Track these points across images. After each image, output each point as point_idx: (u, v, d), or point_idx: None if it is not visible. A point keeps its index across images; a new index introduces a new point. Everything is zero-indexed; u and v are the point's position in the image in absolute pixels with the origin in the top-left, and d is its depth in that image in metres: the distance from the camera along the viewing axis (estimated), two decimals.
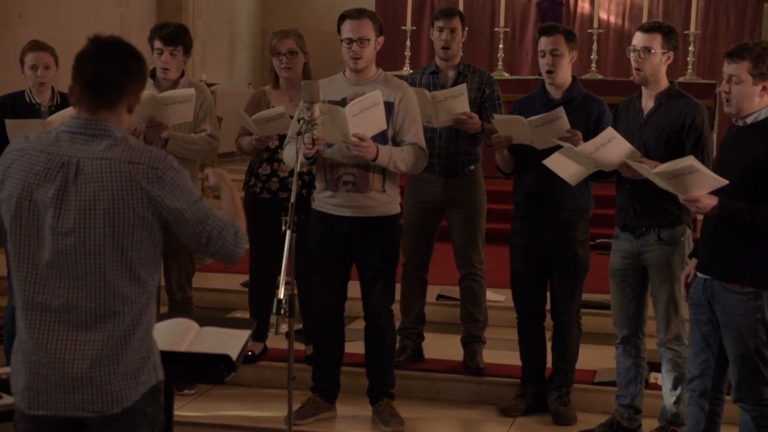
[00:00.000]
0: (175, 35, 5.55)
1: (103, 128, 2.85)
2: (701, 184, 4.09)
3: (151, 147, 2.92)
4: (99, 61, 2.84)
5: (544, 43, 5.18)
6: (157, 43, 5.54)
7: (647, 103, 4.90)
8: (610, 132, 4.61)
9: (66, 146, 2.84)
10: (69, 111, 5.43)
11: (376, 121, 4.85)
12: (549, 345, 5.45)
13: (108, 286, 2.82)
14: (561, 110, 4.92)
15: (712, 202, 4.10)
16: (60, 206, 2.81)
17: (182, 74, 5.65)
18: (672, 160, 4.67)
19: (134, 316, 2.85)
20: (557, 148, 4.87)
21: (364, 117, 4.78)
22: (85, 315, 2.82)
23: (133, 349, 2.85)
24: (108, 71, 2.84)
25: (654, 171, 4.23)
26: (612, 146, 4.59)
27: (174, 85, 5.60)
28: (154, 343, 2.95)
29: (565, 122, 4.92)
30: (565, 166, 4.81)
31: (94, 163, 2.80)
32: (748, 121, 4.19)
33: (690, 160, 4.10)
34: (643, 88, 4.91)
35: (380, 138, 4.92)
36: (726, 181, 4.05)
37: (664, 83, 4.89)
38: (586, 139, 5.03)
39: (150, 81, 5.60)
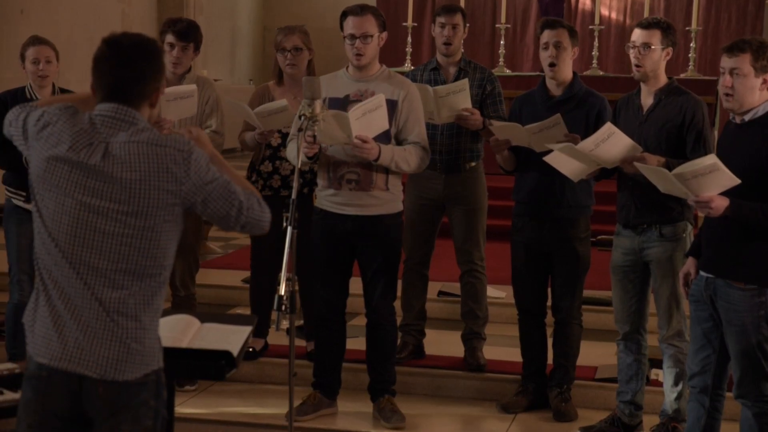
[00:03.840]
0: (188, 31, 5.60)
1: (132, 115, 2.91)
2: (714, 184, 4.04)
3: (175, 134, 2.99)
4: (117, 68, 2.90)
5: (547, 35, 5.17)
6: (170, 37, 5.56)
7: (646, 100, 4.90)
8: (609, 127, 4.61)
9: (98, 128, 2.90)
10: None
11: (379, 123, 4.84)
12: (550, 341, 5.45)
13: (125, 257, 2.86)
14: (558, 117, 4.91)
15: (724, 203, 4.06)
16: (85, 182, 2.86)
17: (188, 70, 5.66)
18: (672, 156, 4.68)
19: (147, 293, 2.90)
20: None
21: (367, 120, 4.77)
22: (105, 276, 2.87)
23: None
24: (127, 79, 2.91)
25: (673, 172, 4.13)
26: (612, 142, 4.58)
27: (180, 79, 5.61)
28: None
29: (562, 128, 4.91)
30: (565, 163, 4.81)
31: (122, 146, 2.86)
32: (746, 118, 4.18)
33: (712, 158, 4.03)
34: (642, 85, 4.91)
35: (383, 137, 4.91)
36: (738, 180, 4.02)
37: (663, 79, 4.89)
38: (585, 134, 5.03)
39: None
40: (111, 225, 2.85)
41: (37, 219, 2.94)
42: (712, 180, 4.03)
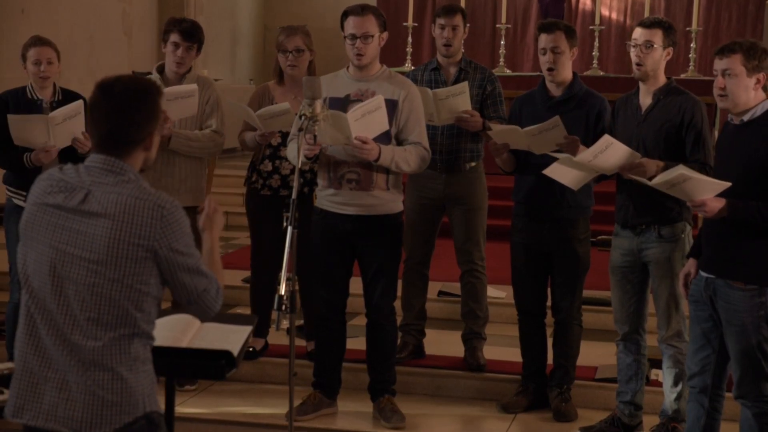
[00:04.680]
0: (193, 31, 5.61)
1: (120, 167, 2.90)
2: (702, 189, 4.09)
3: (161, 192, 2.94)
4: (109, 117, 2.88)
5: (544, 40, 5.17)
6: (175, 36, 5.56)
7: (645, 100, 4.90)
8: (607, 139, 4.61)
9: (82, 176, 2.90)
10: (71, 107, 5.44)
11: (379, 124, 4.84)
12: (550, 342, 5.45)
13: (96, 306, 2.84)
14: (557, 119, 4.91)
15: (719, 204, 4.09)
16: (63, 225, 2.86)
17: (189, 69, 5.67)
18: (671, 156, 4.70)
19: (122, 344, 2.86)
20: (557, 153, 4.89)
21: (367, 120, 4.77)
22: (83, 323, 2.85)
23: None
24: (121, 126, 2.89)
25: (650, 184, 4.27)
26: (610, 152, 4.59)
27: (181, 79, 5.61)
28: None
29: (561, 130, 4.91)
30: (565, 174, 4.81)
31: (104, 195, 2.86)
32: (744, 118, 4.19)
33: (680, 170, 4.12)
34: (641, 85, 4.91)
35: (383, 137, 4.91)
36: (728, 184, 4.05)
37: (662, 79, 4.89)
38: (586, 134, 5.05)
39: (157, 76, 5.62)
40: (83, 274, 2.83)
41: (21, 271, 2.93)
42: (694, 186, 4.08)
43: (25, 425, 2.87)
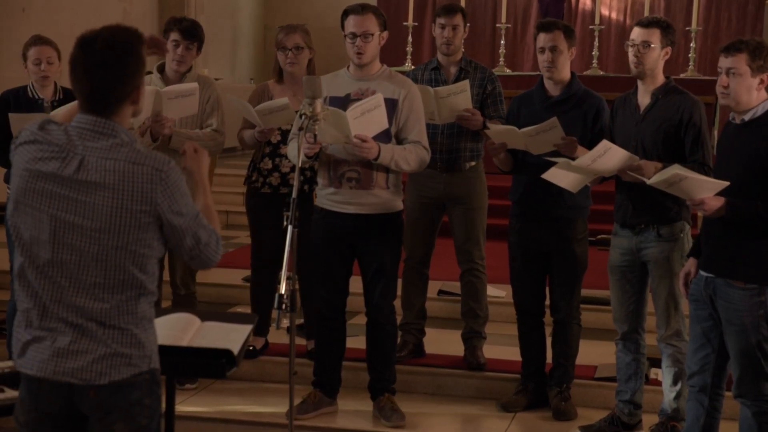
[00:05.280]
0: (193, 29, 5.61)
1: (111, 128, 2.86)
2: (701, 187, 4.11)
3: (156, 152, 2.94)
4: (92, 74, 2.82)
5: (543, 39, 5.17)
6: (175, 35, 5.56)
7: (643, 99, 4.90)
8: (605, 144, 4.61)
9: (73, 140, 2.85)
10: (72, 105, 5.43)
11: (378, 123, 4.84)
12: (549, 341, 5.45)
13: (102, 272, 2.85)
14: (555, 120, 4.91)
15: (717, 203, 4.10)
16: (59, 193, 2.84)
17: (189, 69, 5.67)
18: (670, 155, 4.70)
19: (130, 304, 2.88)
20: (554, 153, 4.90)
21: (366, 119, 4.78)
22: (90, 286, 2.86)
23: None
24: (104, 82, 2.83)
25: (648, 182, 4.30)
26: (608, 156, 4.59)
27: (181, 78, 5.61)
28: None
29: (559, 131, 4.91)
30: (564, 177, 4.81)
31: (99, 161, 2.83)
32: (746, 118, 4.19)
33: (675, 169, 4.14)
34: (640, 84, 4.91)
35: (383, 136, 4.92)
36: (725, 183, 4.06)
37: (661, 79, 4.89)
38: (583, 134, 5.06)
39: (158, 75, 5.62)
40: (86, 243, 2.83)
41: (15, 239, 2.90)
42: (692, 185, 4.10)
43: (32, 377, 2.87)
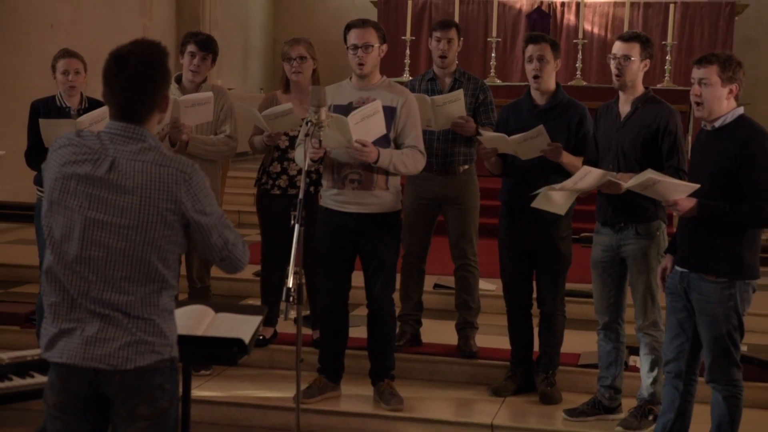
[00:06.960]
0: (208, 42, 5.63)
1: (140, 133, 2.90)
2: (674, 190, 4.14)
3: (180, 155, 2.96)
4: (126, 88, 2.86)
5: (531, 49, 5.17)
6: (192, 47, 5.57)
7: (624, 108, 4.90)
8: (585, 169, 4.60)
9: (105, 144, 2.88)
10: (97, 112, 5.43)
11: (377, 128, 4.86)
12: (536, 331, 5.45)
13: (128, 266, 2.86)
14: (541, 128, 4.92)
15: (689, 204, 4.13)
16: (91, 193, 2.85)
17: (205, 79, 5.67)
18: (647, 159, 4.71)
19: (152, 296, 2.89)
20: (540, 158, 4.96)
21: (365, 124, 4.79)
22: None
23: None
24: (136, 95, 2.87)
25: (626, 186, 4.33)
26: (589, 177, 4.60)
27: (197, 88, 5.62)
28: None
29: (545, 138, 4.93)
30: (552, 203, 4.82)
31: (128, 163, 2.85)
32: (717, 124, 4.20)
33: (648, 174, 4.17)
34: (621, 94, 4.92)
35: (383, 141, 4.92)
36: (696, 186, 4.10)
37: (640, 89, 4.89)
38: (568, 140, 5.07)
39: (175, 85, 5.62)
40: (114, 239, 2.84)
41: (47, 237, 2.91)
42: (665, 188, 4.13)
43: (62, 363, 2.87)
